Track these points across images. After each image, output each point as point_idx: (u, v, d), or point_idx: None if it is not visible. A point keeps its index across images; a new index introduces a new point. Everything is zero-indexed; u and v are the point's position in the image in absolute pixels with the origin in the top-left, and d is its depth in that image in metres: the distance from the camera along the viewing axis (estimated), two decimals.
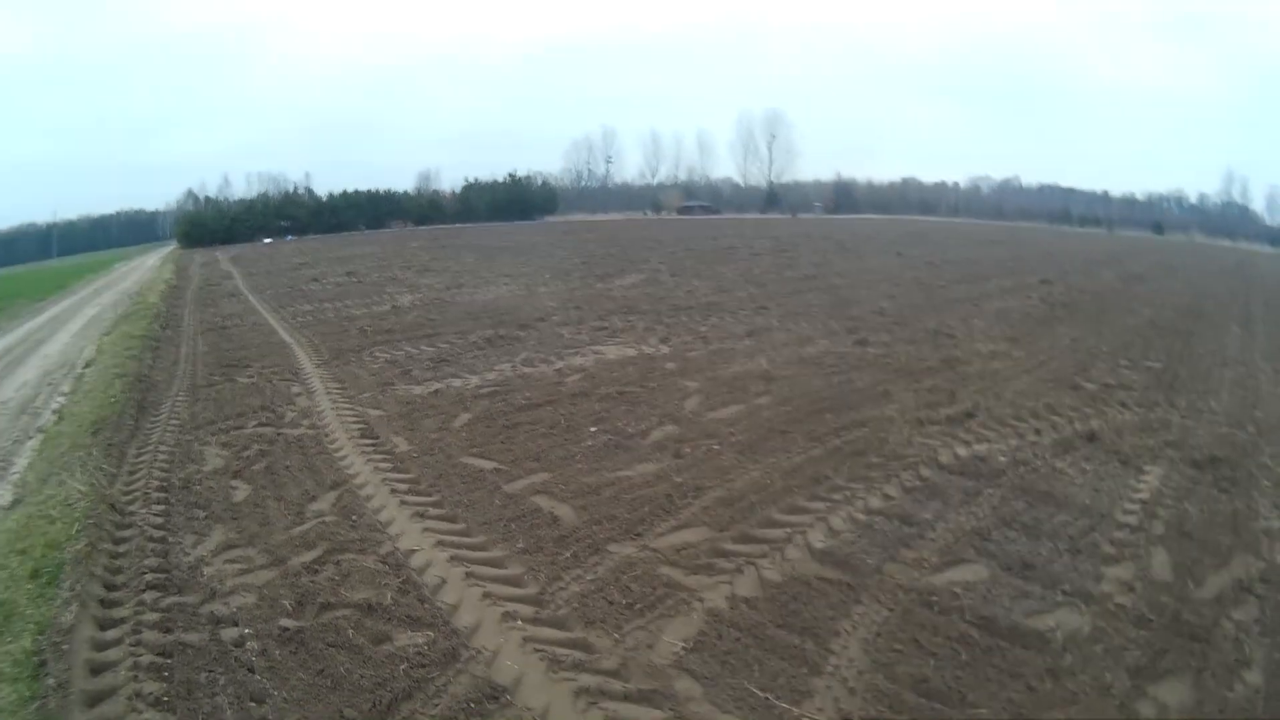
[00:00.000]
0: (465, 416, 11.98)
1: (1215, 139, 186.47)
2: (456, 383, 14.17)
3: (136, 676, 5.74)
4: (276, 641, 6.10)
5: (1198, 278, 37.52)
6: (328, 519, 8.38)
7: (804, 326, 19.40)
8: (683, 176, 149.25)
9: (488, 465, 9.86)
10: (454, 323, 20.85)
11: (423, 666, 5.66)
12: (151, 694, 5.52)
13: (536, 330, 19.27)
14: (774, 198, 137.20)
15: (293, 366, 16.30)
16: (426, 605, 6.54)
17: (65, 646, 6.09)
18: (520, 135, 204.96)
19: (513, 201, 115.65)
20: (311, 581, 7.02)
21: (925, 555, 7.25)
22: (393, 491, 9.07)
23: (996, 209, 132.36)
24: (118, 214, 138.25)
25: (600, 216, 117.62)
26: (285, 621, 6.38)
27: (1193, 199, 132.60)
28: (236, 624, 6.41)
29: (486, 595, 6.66)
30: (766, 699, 5.30)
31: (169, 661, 5.91)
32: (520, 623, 6.23)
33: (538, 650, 5.84)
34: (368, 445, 10.82)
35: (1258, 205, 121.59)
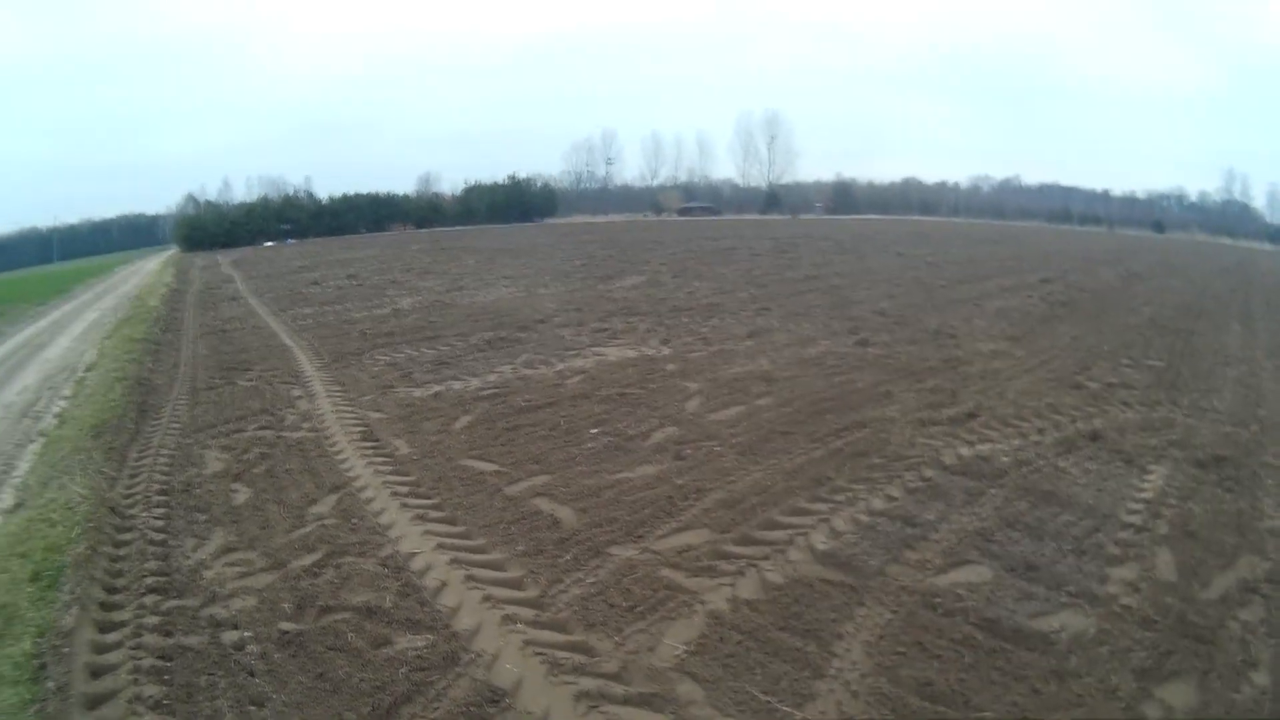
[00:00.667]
0: (466, 419, 11.95)
1: (1215, 137, 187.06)
2: (457, 385, 14.15)
3: (137, 679, 5.73)
4: (276, 645, 6.09)
5: (1199, 276, 37.48)
6: (328, 522, 8.36)
7: (805, 327, 19.37)
8: (683, 178, 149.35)
9: (488, 468, 9.84)
10: (454, 325, 20.83)
11: (423, 670, 5.65)
12: (151, 697, 5.52)
13: (537, 332, 19.25)
14: (774, 199, 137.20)
15: (293, 369, 16.28)
16: (427, 608, 6.52)
17: (65, 649, 6.09)
18: (520, 137, 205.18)
19: (513, 203, 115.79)
20: (312, 585, 7.01)
21: (928, 557, 7.22)
22: (393, 494, 9.05)
23: (997, 208, 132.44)
24: (118, 218, 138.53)
25: (600, 218, 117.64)
26: (285, 625, 6.37)
27: (1193, 197, 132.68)
28: (237, 627, 6.40)
29: (487, 598, 6.64)
30: (768, 702, 5.28)
31: (169, 665, 5.91)
32: (521, 626, 6.21)
33: (538, 653, 5.82)
34: (368, 448, 10.81)
35: (1258, 203, 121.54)
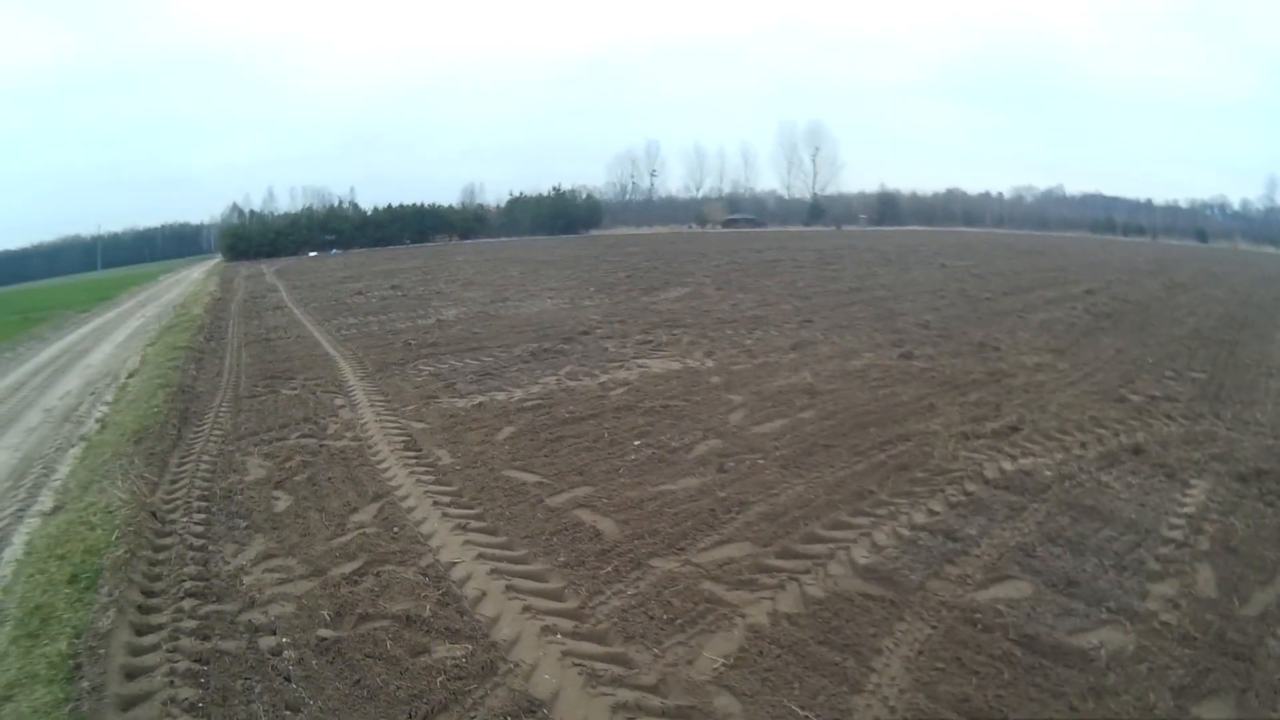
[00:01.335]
0: (508, 430, 11.96)
1: (1258, 144, 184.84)
2: (500, 396, 14.18)
3: (172, 682, 5.78)
4: (314, 651, 6.10)
5: (1242, 285, 36.92)
6: (369, 530, 8.39)
7: (848, 339, 19.26)
8: (727, 189, 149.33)
9: (530, 478, 9.84)
10: (498, 336, 20.90)
11: (460, 679, 5.64)
12: (186, 699, 5.55)
13: (581, 344, 19.27)
14: (818, 210, 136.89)
15: (336, 379, 16.39)
16: (466, 618, 6.52)
17: (101, 650, 6.14)
18: (564, 148, 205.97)
19: (557, 215, 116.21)
20: (351, 592, 7.03)
21: (969, 571, 7.14)
22: (435, 504, 9.06)
23: (1040, 219, 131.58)
24: (162, 227, 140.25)
25: (644, 230, 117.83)
26: (323, 631, 6.39)
27: (1236, 205, 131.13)
28: (274, 633, 6.43)
29: (526, 609, 6.62)
30: (806, 717, 5.23)
31: (205, 668, 5.95)
32: (559, 637, 6.18)
33: (576, 665, 5.79)
34: (410, 458, 10.84)
35: None
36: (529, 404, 13.48)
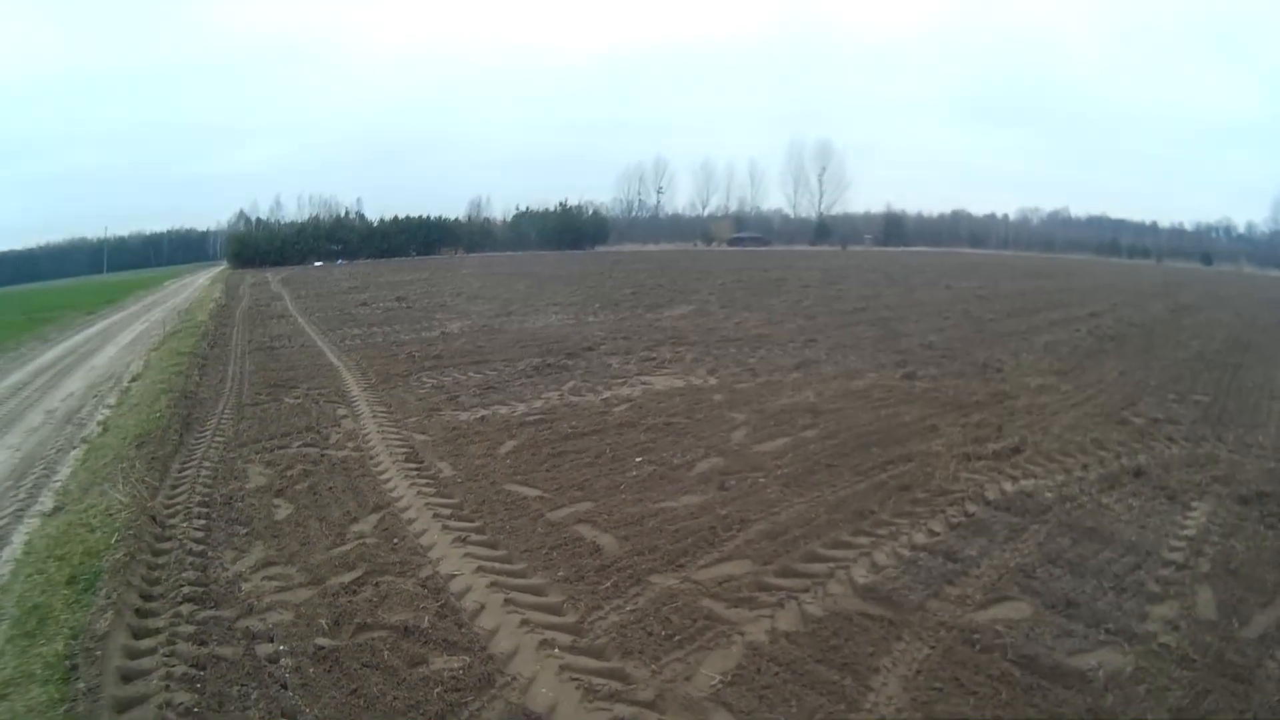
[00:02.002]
0: (511, 444, 11.96)
1: (1263, 166, 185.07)
2: (503, 410, 14.18)
3: (168, 686, 5.77)
4: (311, 659, 6.09)
5: (1246, 308, 36.95)
6: (369, 541, 8.38)
7: (852, 359, 19.26)
8: (734, 207, 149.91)
9: (531, 493, 9.84)
10: (502, 350, 20.92)
11: (457, 691, 5.63)
12: (182, 704, 5.54)
13: (584, 359, 19.28)
14: (824, 229, 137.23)
15: (340, 389, 16.41)
16: (464, 630, 6.51)
17: (98, 652, 6.14)
18: (572, 163, 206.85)
19: (563, 230, 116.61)
20: (349, 602, 7.02)
21: (968, 592, 7.12)
22: (435, 516, 9.06)
23: (1046, 241, 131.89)
24: (169, 232, 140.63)
25: (651, 247, 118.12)
26: (321, 640, 6.38)
27: (1241, 228, 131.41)
28: (272, 640, 6.42)
29: (525, 622, 6.61)
30: None
31: (202, 673, 5.94)
32: (558, 650, 6.17)
33: (574, 679, 5.78)
34: (412, 469, 10.84)
35: None
36: (531, 419, 13.48)
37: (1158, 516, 9.10)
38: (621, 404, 14.52)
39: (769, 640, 6.33)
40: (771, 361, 18.92)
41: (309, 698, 5.59)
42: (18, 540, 9.19)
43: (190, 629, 6.62)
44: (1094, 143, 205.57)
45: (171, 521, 9.11)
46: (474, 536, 8.46)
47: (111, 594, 7.03)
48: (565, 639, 6.36)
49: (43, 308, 48.62)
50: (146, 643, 6.42)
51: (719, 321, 26.94)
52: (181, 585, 7.41)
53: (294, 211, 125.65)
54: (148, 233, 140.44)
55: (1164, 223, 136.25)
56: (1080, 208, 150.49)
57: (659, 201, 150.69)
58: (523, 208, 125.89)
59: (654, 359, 19.29)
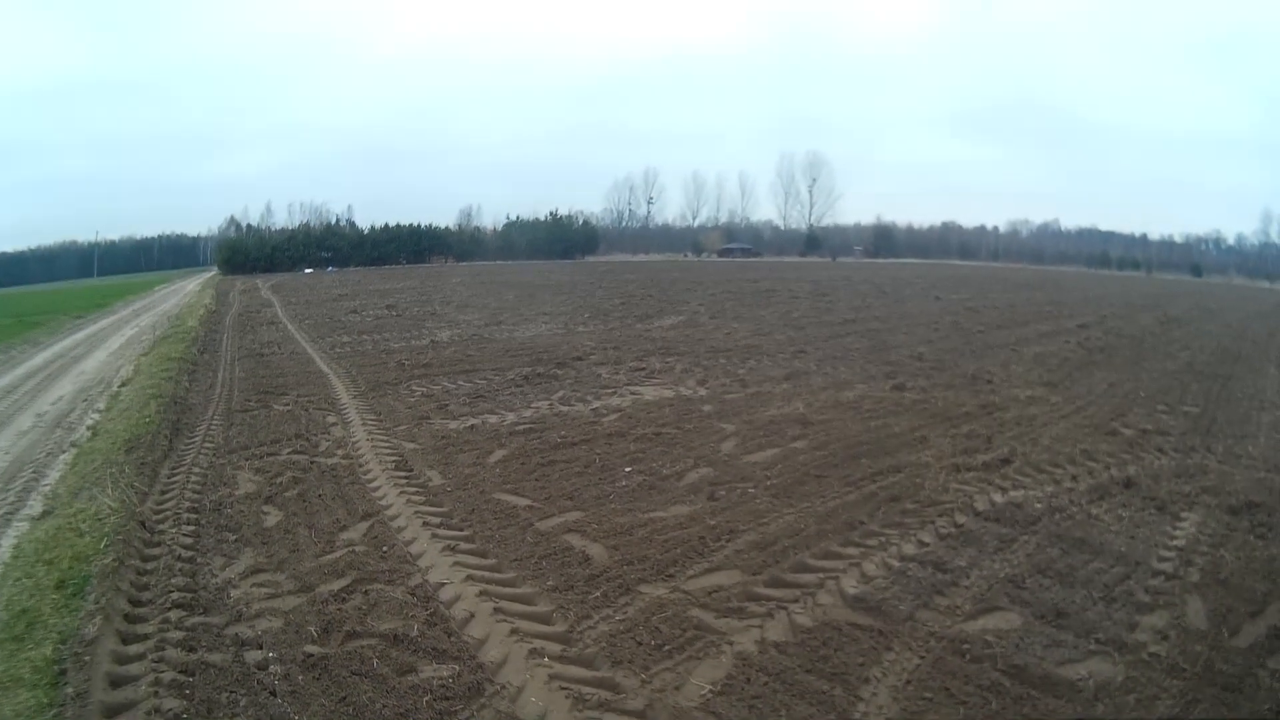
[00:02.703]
0: (500, 453, 11.96)
1: (1253, 179, 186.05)
2: (493, 419, 14.18)
3: (157, 692, 5.74)
4: (300, 667, 6.08)
5: (1236, 320, 37.16)
6: (358, 549, 8.37)
7: (842, 370, 19.29)
8: (724, 218, 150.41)
9: (521, 502, 9.83)
10: (492, 359, 20.93)
11: (446, 699, 5.61)
12: (171, 710, 5.51)
13: (574, 369, 19.29)
14: (814, 241, 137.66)
15: (329, 396, 16.40)
16: (453, 638, 6.50)
17: (86, 657, 6.12)
18: (563, 173, 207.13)
19: (553, 240, 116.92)
20: (339, 609, 7.01)
21: (958, 602, 7.13)
22: (425, 524, 9.05)
23: (1036, 253, 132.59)
24: (159, 237, 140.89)
25: (640, 257, 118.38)
26: (310, 648, 6.36)
27: (1231, 240, 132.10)
28: (261, 647, 6.40)
29: (514, 631, 6.61)
30: None
31: (190, 680, 5.91)
32: (547, 660, 6.17)
33: (563, 688, 5.77)
34: (401, 477, 10.83)
35: None
36: (521, 428, 13.48)
37: (1147, 527, 9.12)
38: (611, 414, 14.53)
39: (758, 650, 6.32)
40: (761, 372, 18.95)
41: (298, 705, 5.58)
42: (6, 544, 9.14)
43: (179, 635, 6.60)
44: (1084, 155, 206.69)
45: (161, 527, 9.09)
46: (463, 545, 8.45)
47: (100, 599, 7.01)
48: (555, 648, 6.35)
49: (32, 311, 48.56)
50: (135, 648, 6.40)
51: (708, 332, 27.00)
52: (170, 591, 7.39)
53: (285, 218, 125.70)
54: (138, 237, 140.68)
55: (1154, 235, 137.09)
56: (1070, 220, 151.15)
57: (649, 212, 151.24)
58: (513, 217, 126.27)
59: (644, 369, 19.31)
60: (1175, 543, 8.68)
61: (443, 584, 7.51)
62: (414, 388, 17.12)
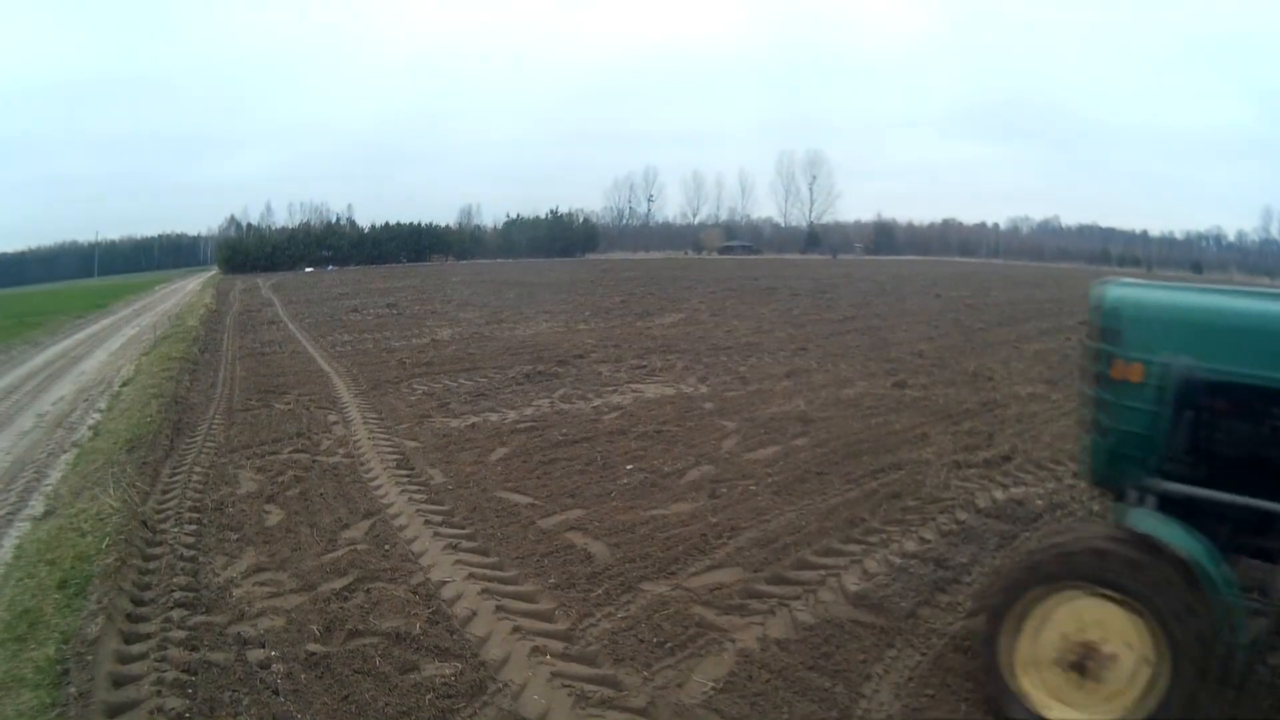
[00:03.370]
0: (502, 451, 11.96)
1: (1253, 176, 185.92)
2: (494, 417, 14.18)
3: (160, 691, 5.74)
4: (303, 665, 6.08)
5: None
6: (360, 547, 8.38)
7: (843, 368, 19.26)
8: (724, 216, 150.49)
9: (523, 500, 9.83)
10: (493, 357, 20.91)
11: (449, 697, 5.61)
12: (174, 710, 5.51)
13: (575, 367, 19.28)
14: (814, 238, 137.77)
15: (330, 395, 16.41)
16: (456, 637, 6.50)
17: (89, 657, 6.11)
18: (563, 172, 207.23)
19: (554, 238, 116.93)
20: (341, 608, 7.01)
21: (959, 600, 7.13)
22: (426, 523, 9.06)
23: (1036, 250, 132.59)
24: (160, 236, 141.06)
25: (641, 255, 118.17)
26: (312, 646, 6.36)
27: (1231, 237, 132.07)
28: (263, 646, 6.40)
29: (516, 629, 6.60)
30: None
31: (193, 679, 5.90)
32: (549, 657, 6.17)
33: (566, 685, 5.77)
34: (403, 476, 10.84)
35: None
36: (522, 426, 13.47)
37: None
38: (612, 411, 14.53)
39: (760, 647, 6.32)
40: (762, 370, 18.93)
41: (300, 704, 5.58)
42: (8, 544, 9.16)
43: (181, 634, 6.60)
44: (1084, 152, 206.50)
45: (162, 526, 9.10)
46: (465, 543, 8.46)
47: (103, 598, 7.01)
48: (557, 646, 6.35)
49: (32, 311, 48.58)
50: (137, 648, 6.40)
51: (709, 329, 26.96)
52: (173, 590, 7.39)
53: (285, 217, 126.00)
54: (138, 237, 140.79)
55: (1154, 231, 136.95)
56: (1070, 217, 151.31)
57: (649, 210, 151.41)
58: (513, 215, 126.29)
59: (644, 367, 19.29)
60: None
61: (445, 582, 7.51)
62: (415, 386, 17.13)
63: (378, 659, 6.15)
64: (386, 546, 8.40)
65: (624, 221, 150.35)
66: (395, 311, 34.36)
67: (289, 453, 12.05)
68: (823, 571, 7.68)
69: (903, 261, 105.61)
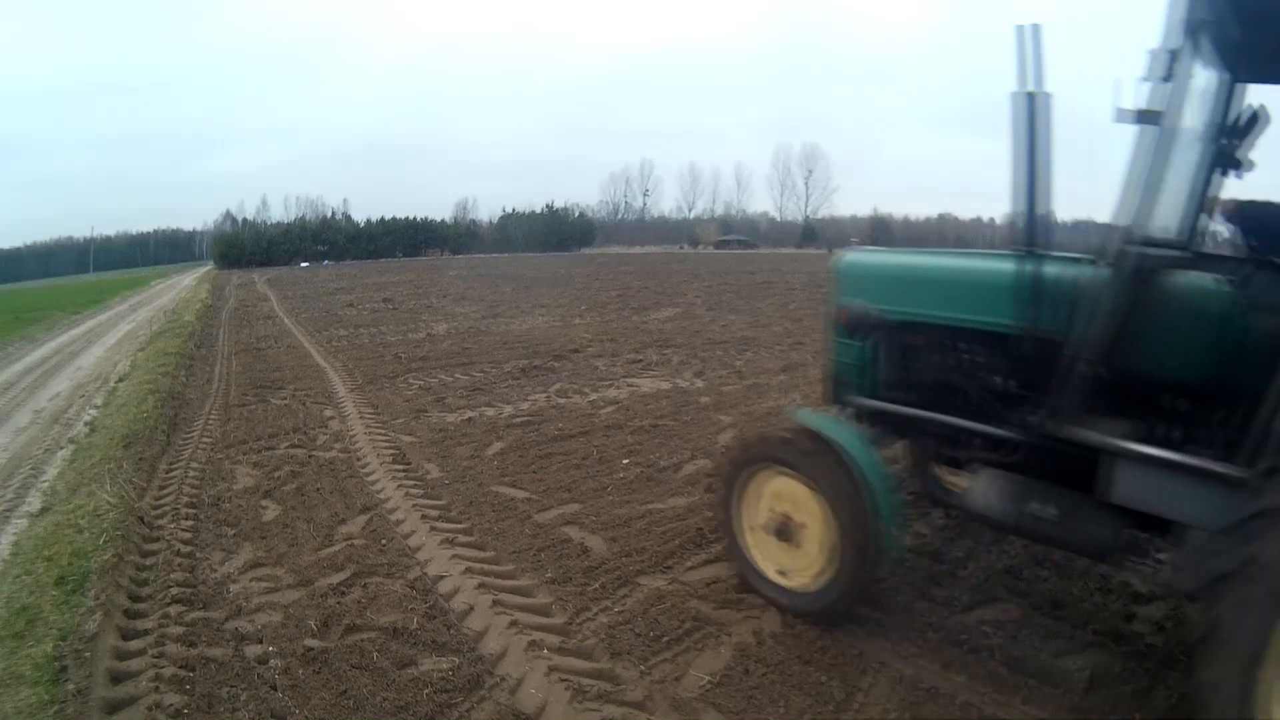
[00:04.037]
0: (498, 445, 11.97)
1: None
2: (490, 412, 14.18)
3: (158, 687, 5.75)
4: (300, 661, 6.09)
5: None
6: (357, 542, 8.39)
7: None
8: (720, 210, 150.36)
9: (519, 494, 9.84)
10: (489, 352, 20.92)
11: (446, 692, 5.63)
12: (172, 705, 5.52)
13: (571, 361, 19.28)
14: (811, 232, 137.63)
15: (326, 390, 16.40)
16: (453, 631, 6.51)
17: (87, 654, 6.13)
18: (558, 166, 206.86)
19: (550, 232, 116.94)
20: (338, 603, 7.03)
21: (955, 594, 7.13)
22: (423, 517, 9.06)
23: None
24: (155, 232, 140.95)
25: (637, 249, 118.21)
26: (310, 641, 6.37)
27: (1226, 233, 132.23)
28: (261, 641, 6.42)
29: (514, 623, 6.62)
30: None
31: (191, 675, 5.92)
32: (546, 652, 6.18)
33: (563, 680, 5.78)
34: (399, 471, 10.84)
35: None
36: (519, 420, 13.48)
37: None
38: (608, 406, 14.52)
39: (756, 641, 6.33)
40: (758, 364, 18.95)
41: (298, 699, 5.59)
42: (6, 541, 9.15)
43: (179, 630, 6.61)
44: (1081, 148, 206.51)
45: (159, 522, 9.11)
46: (462, 538, 8.47)
47: (100, 595, 7.02)
48: (554, 640, 6.36)
49: (28, 307, 48.59)
50: (135, 644, 6.42)
51: (705, 324, 26.95)
52: (170, 586, 7.40)
53: (280, 212, 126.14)
54: (134, 232, 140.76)
55: None
56: (1066, 212, 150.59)
57: (645, 204, 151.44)
58: (509, 210, 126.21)
59: (640, 361, 19.29)
60: None
61: (442, 577, 7.53)
62: (411, 381, 17.14)
63: (375, 654, 6.17)
64: (383, 541, 8.41)
65: (620, 216, 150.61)
66: (391, 306, 34.37)
67: (285, 448, 12.06)
68: None
69: None
